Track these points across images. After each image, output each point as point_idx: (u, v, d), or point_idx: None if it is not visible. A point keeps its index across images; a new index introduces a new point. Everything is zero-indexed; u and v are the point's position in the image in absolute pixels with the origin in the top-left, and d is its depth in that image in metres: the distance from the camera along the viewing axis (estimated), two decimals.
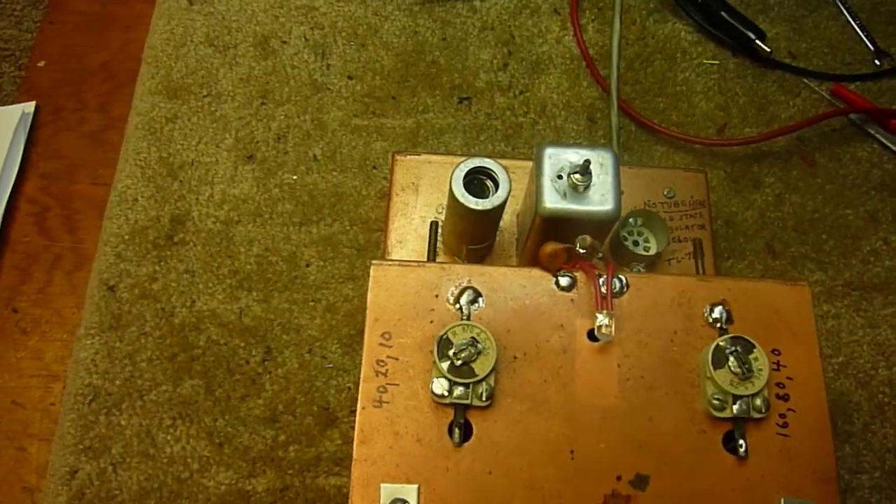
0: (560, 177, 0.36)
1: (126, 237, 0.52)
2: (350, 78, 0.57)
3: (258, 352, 0.49)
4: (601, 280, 0.31)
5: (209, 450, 0.46)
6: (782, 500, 0.28)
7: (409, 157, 0.46)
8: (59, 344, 0.51)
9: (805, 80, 0.59)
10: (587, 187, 0.36)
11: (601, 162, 0.36)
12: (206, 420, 0.47)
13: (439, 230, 0.44)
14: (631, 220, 0.44)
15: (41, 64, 0.60)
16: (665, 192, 0.46)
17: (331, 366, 0.48)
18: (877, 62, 0.60)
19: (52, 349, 0.51)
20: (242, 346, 0.49)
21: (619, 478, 0.28)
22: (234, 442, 0.46)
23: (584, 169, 0.35)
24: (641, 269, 0.43)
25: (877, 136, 0.57)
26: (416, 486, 0.28)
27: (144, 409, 0.47)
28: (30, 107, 0.58)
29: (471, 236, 0.41)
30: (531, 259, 0.34)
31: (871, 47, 0.60)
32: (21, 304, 0.52)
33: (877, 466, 0.47)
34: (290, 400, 0.47)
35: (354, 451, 0.29)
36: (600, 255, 0.33)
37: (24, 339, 0.51)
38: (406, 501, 0.27)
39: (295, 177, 0.54)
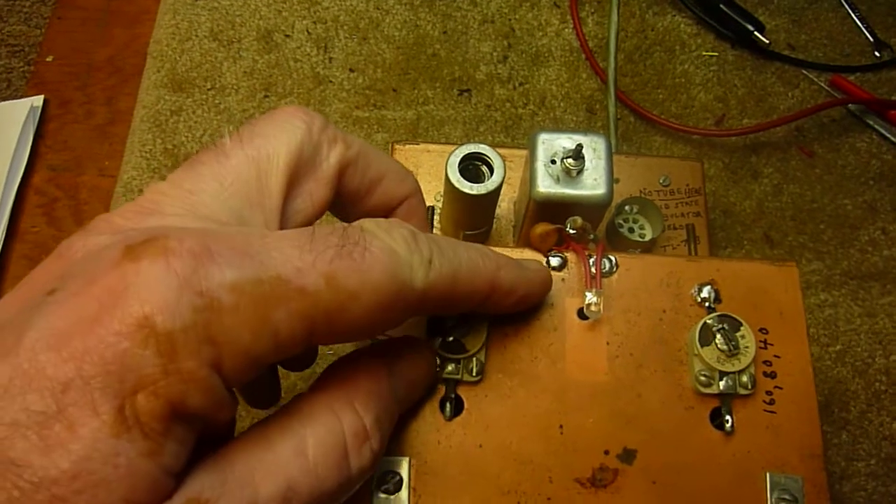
0: (553, 162, 0.37)
1: None
2: (352, 71, 0.58)
3: None
4: (591, 260, 0.32)
5: None
6: (768, 475, 0.29)
7: (407, 146, 0.47)
8: None
9: (804, 72, 0.59)
10: (580, 172, 0.36)
11: (594, 147, 0.37)
12: None
13: (436, 214, 0.44)
14: (626, 207, 0.45)
15: (49, 59, 0.61)
16: (661, 181, 0.47)
17: (331, 353, 0.49)
18: (876, 53, 0.60)
19: None
20: None
21: (606, 452, 0.29)
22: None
23: (577, 153, 0.36)
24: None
25: (875, 126, 0.57)
26: (407, 458, 0.28)
27: None
28: (38, 100, 0.59)
29: (467, 222, 0.42)
30: (526, 245, 0.35)
31: (871, 39, 0.61)
32: None
33: (873, 454, 0.48)
34: (292, 386, 0.48)
35: None
36: (592, 236, 0.34)
37: None
38: (397, 473, 0.28)
39: None
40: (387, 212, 0.29)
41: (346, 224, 0.22)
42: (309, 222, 0.26)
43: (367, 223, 0.23)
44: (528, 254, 0.33)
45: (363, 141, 0.27)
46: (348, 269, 0.20)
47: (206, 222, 0.22)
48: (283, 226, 0.24)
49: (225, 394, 0.19)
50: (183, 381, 0.18)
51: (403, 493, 0.28)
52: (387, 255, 0.21)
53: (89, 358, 0.17)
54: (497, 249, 0.32)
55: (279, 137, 0.24)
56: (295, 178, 0.24)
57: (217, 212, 0.22)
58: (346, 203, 0.28)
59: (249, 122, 0.25)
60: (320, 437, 0.22)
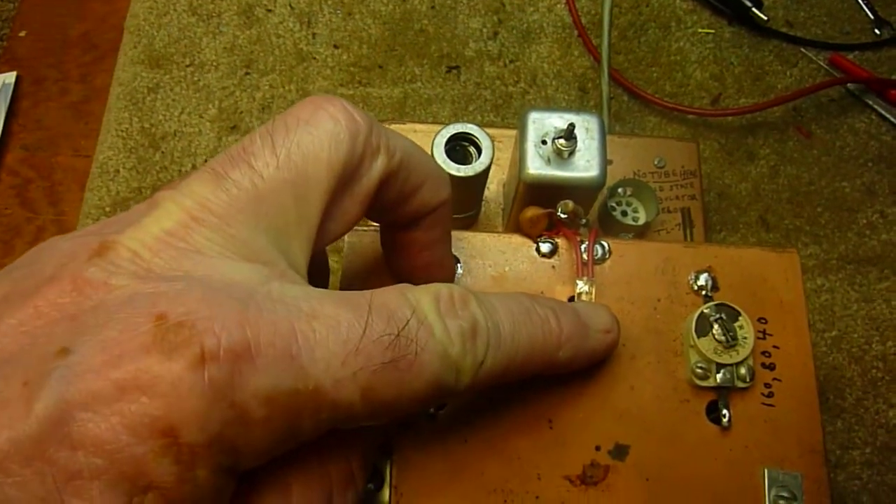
0: (544, 142, 0.35)
1: (108, 209, 0.51)
2: (336, 47, 0.56)
3: None
4: (583, 246, 0.30)
5: None
6: (766, 471, 0.28)
7: (394, 125, 0.45)
8: None
9: (803, 50, 0.57)
10: (572, 153, 0.35)
11: (586, 127, 0.35)
12: None
13: None
14: (620, 189, 0.43)
15: (22, 34, 0.59)
16: (655, 162, 0.45)
17: None
18: (876, 31, 0.59)
19: None
20: None
21: (597, 448, 0.28)
22: None
23: (569, 134, 0.34)
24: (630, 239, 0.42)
25: (875, 106, 0.56)
26: (387, 456, 0.27)
27: None
28: (10, 77, 0.56)
29: (454, 206, 0.40)
30: (516, 229, 0.33)
31: (871, 16, 0.59)
32: None
33: (868, 442, 0.47)
34: None
35: None
36: (584, 221, 0.32)
37: None
38: (378, 471, 0.27)
39: None
40: (416, 220, 0.26)
41: (404, 306, 0.20)
42: (334, 240, 0.24)
43: (429, 311, 0.20)
44: (516, 239, 0.31)
45: (405, 142, 0.24)
46: (389, 381, 0.19)
47: (244, 266, 0.20)
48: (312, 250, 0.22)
49: (234, 485, 0.19)
50: (197, 488, 0.17)
51: (385, 491, 0.27)
52: (436, 361, 0.20)
53: (102, 453, 0.16)
54: (489, 236, 0.31)
55: (320, 154, 0.21)
56: (332, 200, 0.22)
57: (257, 251, 0.20)
58: (375, 211, 0.25)
59: (283, 121, 0.21)
60: (305, 488, 0.21)
